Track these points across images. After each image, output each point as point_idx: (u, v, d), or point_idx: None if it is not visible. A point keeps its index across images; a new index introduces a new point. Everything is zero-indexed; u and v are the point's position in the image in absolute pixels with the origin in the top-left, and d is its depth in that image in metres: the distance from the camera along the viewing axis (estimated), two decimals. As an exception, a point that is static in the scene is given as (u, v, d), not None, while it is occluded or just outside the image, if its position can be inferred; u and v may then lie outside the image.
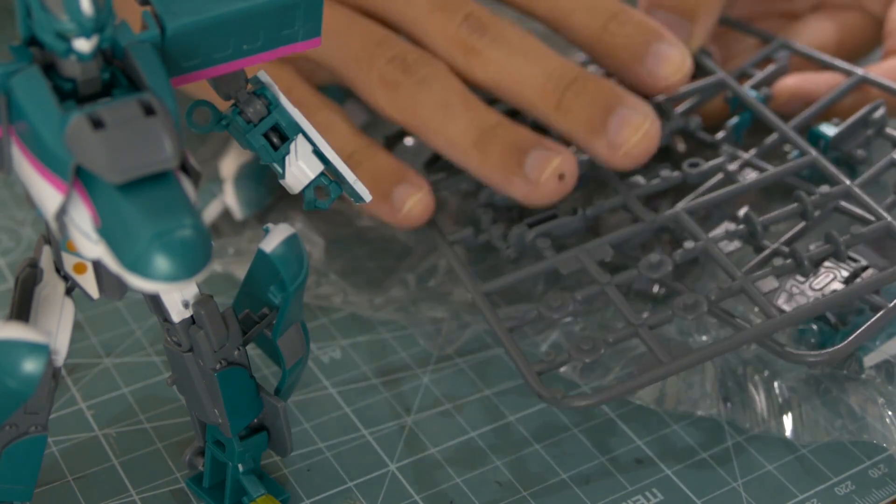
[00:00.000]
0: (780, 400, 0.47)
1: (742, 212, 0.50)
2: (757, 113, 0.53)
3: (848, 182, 0.49)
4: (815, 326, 0.49)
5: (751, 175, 0.51)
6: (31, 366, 0.33)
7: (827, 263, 0.48)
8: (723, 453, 0.45)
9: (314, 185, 0.39)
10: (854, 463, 0.45)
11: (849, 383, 0.48)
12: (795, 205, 0.49)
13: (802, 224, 0.49)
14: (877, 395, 0.47)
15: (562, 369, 0.48)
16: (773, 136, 0.52)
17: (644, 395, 0.48)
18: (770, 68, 0.56)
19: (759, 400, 0.47)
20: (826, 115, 0.55)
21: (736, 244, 0.49)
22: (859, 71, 0.55)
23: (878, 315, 0.45)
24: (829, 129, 0.53)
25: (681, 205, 0.49)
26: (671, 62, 0.51)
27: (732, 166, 0.51)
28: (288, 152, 0.38)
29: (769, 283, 0.46)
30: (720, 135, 0.53)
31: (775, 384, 0.48)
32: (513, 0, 0.52)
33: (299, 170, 0.38)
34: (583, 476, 0.44)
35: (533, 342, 0.50)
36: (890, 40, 0.57)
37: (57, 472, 0.44)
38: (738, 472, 0.45)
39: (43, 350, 0.33)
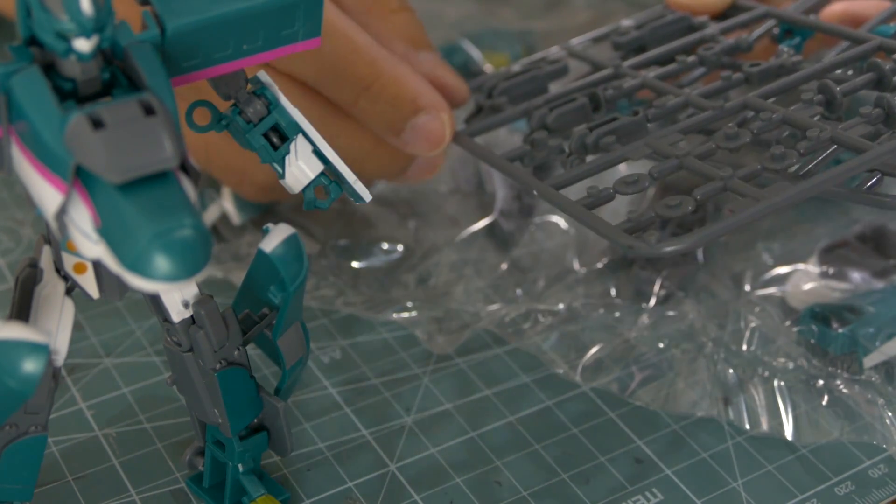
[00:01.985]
0: (780, 400, 0.47)
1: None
2: (814, 27, 0.51)
3: None
4: (815, 328, 0.49)
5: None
6: (31, 366, 0.33)
7: None
8: (723, 453, 0.45)
9: (314, 185, 0.39)
10: (854, 463, 0.45)
11: (849, 384, 0.48)
12: (871, 73, 0.46)
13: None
14: (877, 395, 0.47)
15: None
16: (841, 46, 0.51)
17: (644, 395, 0.48)
18: None
19: (759, 400, 0.47)
20: None
21: (817, 109, 0.45)
22: None
23: None
24: (889, 29, 0.50)
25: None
26: (429, 139, 0.49)
27: (795, 58, 0.49)
28: (288, 152, 0.38)
29: (861, 129, 0.43)
30: (772, 59, 0.51)
31: (775, 384, 0.48)
32: (283, 67, 0.48)
33: (299, 170, 0.38)
34: (583, 476, 0.44)
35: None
36: None
37: (57, 472, 0.44)
38: (738, 472, 0.45)
39: (43, 350, 0.33)
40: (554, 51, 0.56)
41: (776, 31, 0.53)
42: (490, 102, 0.52)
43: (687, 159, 0.43)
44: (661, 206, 0.41)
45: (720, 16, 0.56)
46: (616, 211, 0.52)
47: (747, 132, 0.44)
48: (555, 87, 0.53)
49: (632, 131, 0.47)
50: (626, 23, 0.56)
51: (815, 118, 0.45)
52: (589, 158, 0.47)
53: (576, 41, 0.56)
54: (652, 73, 0.50)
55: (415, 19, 0.52)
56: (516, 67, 0.55)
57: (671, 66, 0.50)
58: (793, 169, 0.42)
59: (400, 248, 0.54)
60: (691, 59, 0.51)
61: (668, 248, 0.40)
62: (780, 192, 0.40)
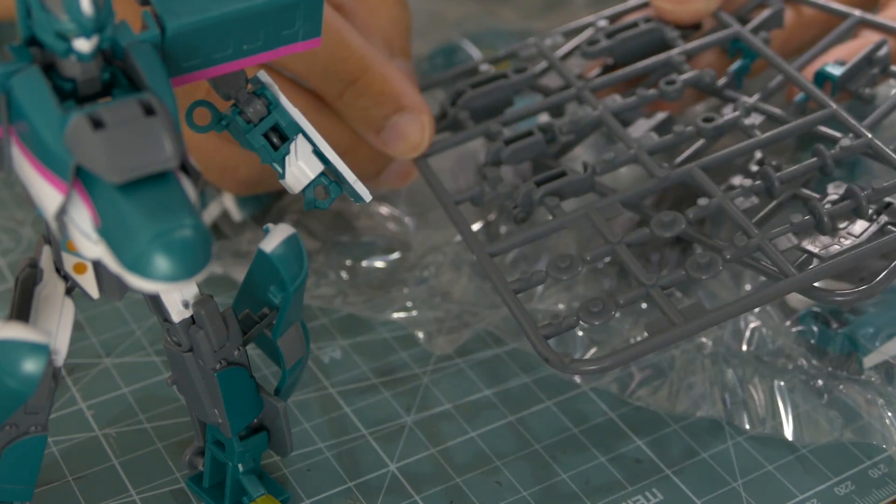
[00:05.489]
0: (780, 400, 0.47)
1: (754, 164, 0.48)
2: (771, 61, 0.52)
3: (869, 135, 0.47)
4: (815, 328, 0.49)
5: (763, 120, 0.50)
6: (31, 366, 0.33)
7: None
8: (723, 453, 0.46)
9: (314, 185, 0.39)
10: (854, 463, 0.45)
11: (849, 384, 0.48)
12: (814, 159, 0.47)
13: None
14: (877, 395, 0.47)
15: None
16: (779, 79, 0.51)
17: (644, 395, 0.48)
18: (766, 13, 0.55)
19: (759, 400, 0.47)
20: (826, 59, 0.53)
21: (753, 200, 0.46)
22: (856, 13, 0.54)
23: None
24: (835, 69, 0.51)
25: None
26: (408, 139, 0.49)
27: (748, 120, 0.49)
28: (288, 152, 0.38)
29: (787, 241, 0.44)
30: (721, 81, 0.52)
31: (775, 384, 0.48)
32: (277, 61, 0.48)
33: (299, 170, 0.38)
34: (583, 476, 0.44)
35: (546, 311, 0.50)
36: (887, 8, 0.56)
37: (57, 472, 0.44)
38: (738, 472, 0.45)
39: (43, 350, 0.33)
40: (528, 43, 0.56)
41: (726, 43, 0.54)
42: (454, 112, 0.52)
43: (619, 246, 0.44)
44: (584, 310, 0.42)
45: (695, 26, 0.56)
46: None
47: (682, 219, 0.44)
48: (521, 101, 0.54)
49: (578, 189, 0.48)
50: (602, 23, 0.56)
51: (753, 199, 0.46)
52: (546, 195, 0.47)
53: (549, 39, 0.56)
54: (612, 104, 0.50)
55: (404, 20, 0.52)
56: (484, 67, 0.55)
57: (631, 100, 0.51)
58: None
59: (400, 247, 0.54)
60: (651, 92, 0.51)
61: (583, 368, 0.41)
62: (696, 316, 0.42)
